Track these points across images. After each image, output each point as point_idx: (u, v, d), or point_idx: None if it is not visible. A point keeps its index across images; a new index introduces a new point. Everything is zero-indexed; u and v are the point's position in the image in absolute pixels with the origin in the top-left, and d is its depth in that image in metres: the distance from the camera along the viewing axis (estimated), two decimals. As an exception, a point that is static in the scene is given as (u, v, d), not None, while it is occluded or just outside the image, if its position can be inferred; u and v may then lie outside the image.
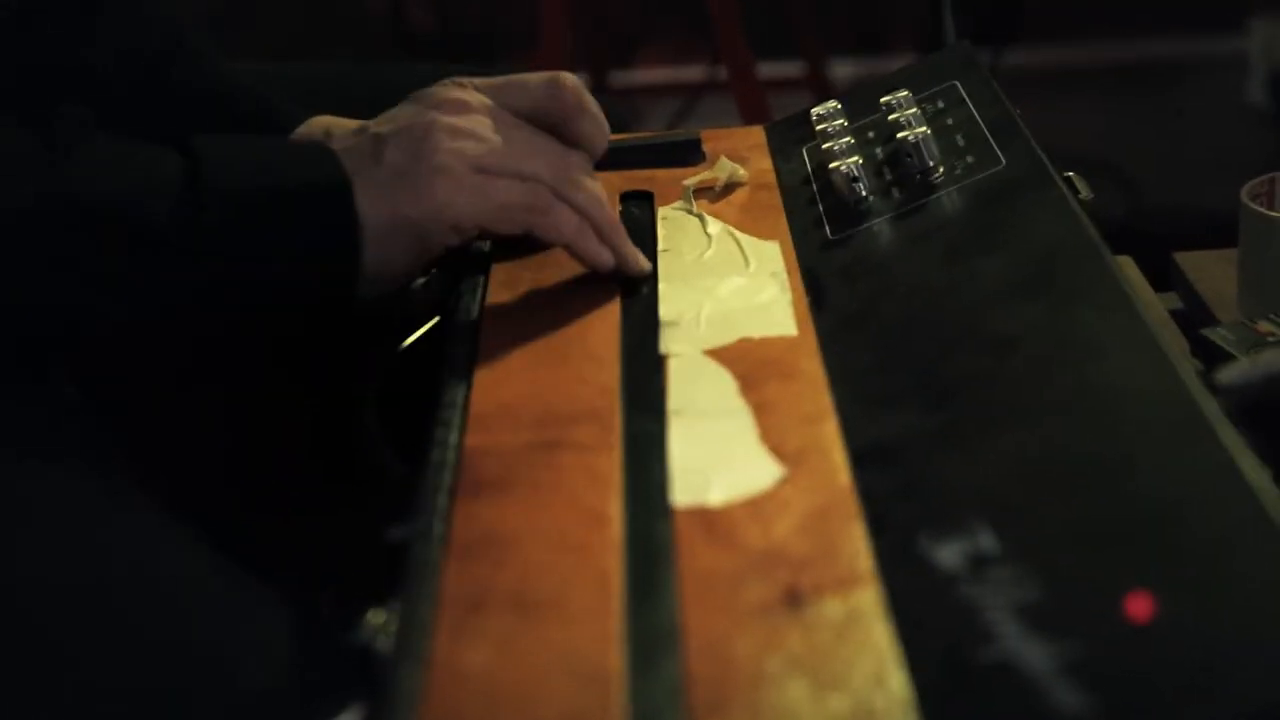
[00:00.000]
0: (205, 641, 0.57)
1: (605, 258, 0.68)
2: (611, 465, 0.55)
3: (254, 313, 0.62)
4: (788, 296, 0.66)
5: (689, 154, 0.83)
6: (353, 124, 0.82)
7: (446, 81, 0.69)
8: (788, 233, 0.73)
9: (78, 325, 0.59)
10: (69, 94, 0.77)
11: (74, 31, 0.78)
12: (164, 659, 0.56)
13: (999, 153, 0.72)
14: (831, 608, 0.47)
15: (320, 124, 0.82)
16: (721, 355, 0.62)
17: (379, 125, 0.67)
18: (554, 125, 0.69)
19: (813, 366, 0.61)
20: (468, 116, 0.66)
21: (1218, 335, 0.68)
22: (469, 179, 0.65)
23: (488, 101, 0.68)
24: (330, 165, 0.63)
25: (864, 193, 0.73)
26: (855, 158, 0.74)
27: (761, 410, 0.58)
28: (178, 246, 0.58)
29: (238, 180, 0.60)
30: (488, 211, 0.65)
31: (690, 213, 0.76)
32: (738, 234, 0.73)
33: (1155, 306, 0.79)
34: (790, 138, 0.84)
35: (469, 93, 0.68)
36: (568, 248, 0.68)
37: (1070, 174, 0.70)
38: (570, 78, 0.70)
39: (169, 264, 0.58)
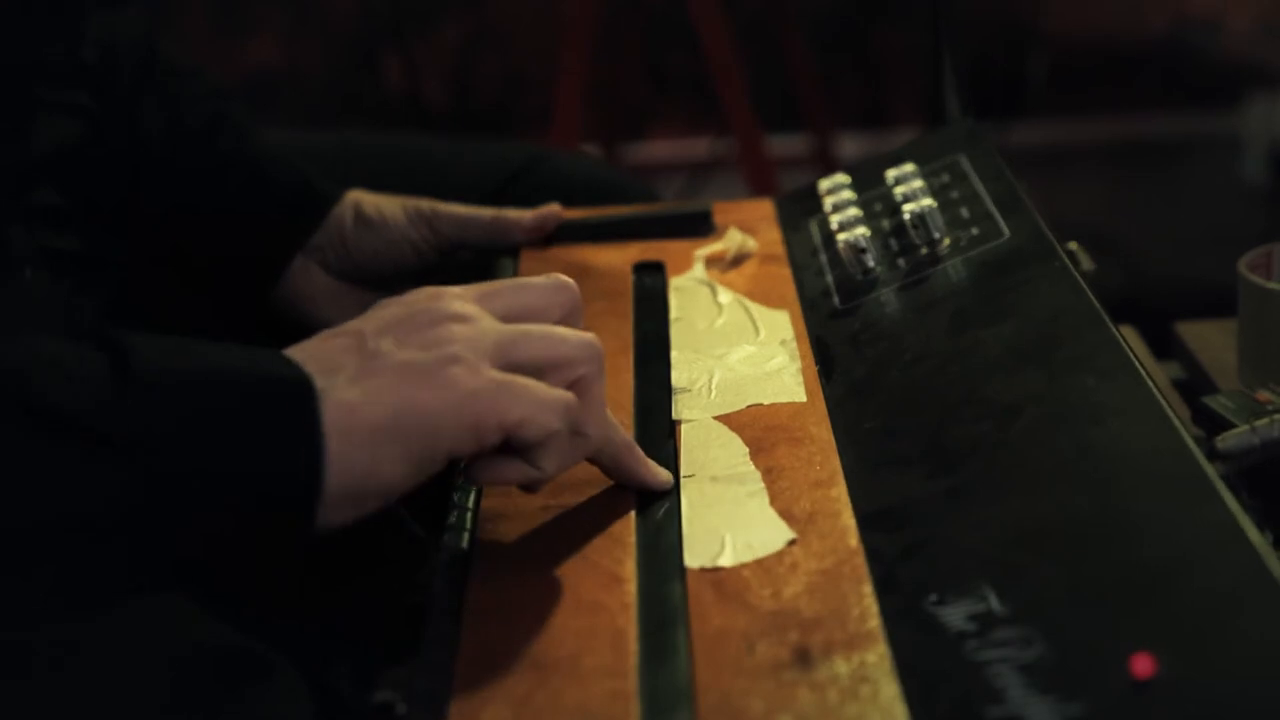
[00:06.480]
0: (223, 708, 0.58)
1: (665, 473, 0.59)
2: (626, 528, 0.57)
3: (199, 523, 0.49)
4: (797, 364, 0.68)
5: (700, 225, 0.84)
6: (384, 199, 0.84)
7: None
8: (797, 302, 0.74)
9: None
10: (117, 163, 0.79)
11: (123, 103, 0.80)
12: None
13: (1003, 225, 0.73)
14: (841, 667, 0.48)
15: (354, 198, 0.84)
16: (732, 421, 0.63)
17: (361, 324, 0.54)
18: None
19: (822, 432, 0.62)
20: (468, 304, 0.55)
21: (1218, 403, 0.68)
22: (490, 371, 0.52)
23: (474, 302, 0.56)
24: (283, 362, 0.51)
25: (871, 263, 0.74)
26: (863, 229, 0.76)
27: (772, 474, 0.59)
28: (94, 436, 0.47)
29: (168, 367, 0.49)
30: (521, 408, 0.52)
31: (702, 282, 0.78)
32: (748, 303, 0.75)
33: (1157, 374, 0.80)
34: (798, 210, 0.85)
35: (453, 291, 0.56)
36: (615, 463, 0.58)
37: (1073, 245, 0.72)
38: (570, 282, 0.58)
39: (85, 457, 0.47)
